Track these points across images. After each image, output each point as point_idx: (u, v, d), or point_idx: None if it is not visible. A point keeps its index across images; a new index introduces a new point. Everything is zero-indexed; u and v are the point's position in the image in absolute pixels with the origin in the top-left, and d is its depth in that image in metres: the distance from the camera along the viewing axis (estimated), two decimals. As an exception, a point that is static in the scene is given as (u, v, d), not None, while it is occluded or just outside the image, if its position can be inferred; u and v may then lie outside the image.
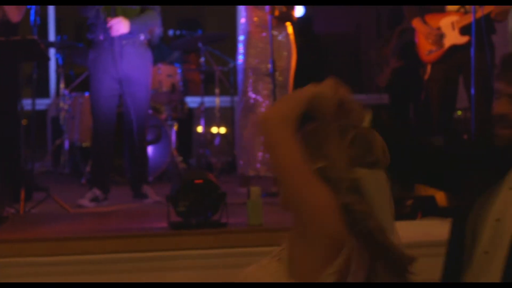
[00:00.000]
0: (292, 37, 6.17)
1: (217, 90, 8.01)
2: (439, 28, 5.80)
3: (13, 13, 5.49)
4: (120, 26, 5.41)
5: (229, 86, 8.13)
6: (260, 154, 6.08)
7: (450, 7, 5.81)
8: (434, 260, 2.42)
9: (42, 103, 8.62)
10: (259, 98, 6.09)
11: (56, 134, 8.06)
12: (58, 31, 9.22)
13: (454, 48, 5.77)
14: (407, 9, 6.06)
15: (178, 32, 8.24)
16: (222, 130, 8.20)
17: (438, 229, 4.20)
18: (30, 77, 5.77)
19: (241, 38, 6.20)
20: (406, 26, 7.89)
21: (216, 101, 8.00)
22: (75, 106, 7.35)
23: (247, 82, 6.11)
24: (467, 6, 5.67)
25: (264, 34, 6.04)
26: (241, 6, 6.28)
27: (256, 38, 6.10)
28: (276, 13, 5.85)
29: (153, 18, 5.71)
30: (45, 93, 8.85)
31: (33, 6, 5.66)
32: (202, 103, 7.98)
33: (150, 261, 3.82)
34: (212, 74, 8.08)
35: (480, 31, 5.40)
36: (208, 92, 8.34)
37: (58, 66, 7.96)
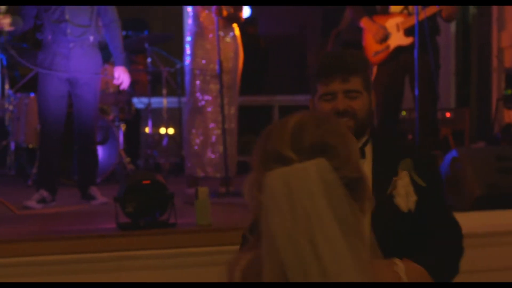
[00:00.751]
0: (239, 38, 6.18)
1: (164, 91, 7.98)
2: (384, 27, 5.84)
3: None
4: (126, 76, 5.68)
5: (176, 87, 8.11)
6: (208, 155, 6.09)
7: (393, 9, 5.85)
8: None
9: (-14, 104, 8.50)
10: (207, 99, 6.09)
11: (1, 135, 7.95)
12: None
13: (399, 49, 5.81)
14: (354, 10, 6.08)
15: (124, 33, 8.19)
16: (170, 131, 8.17)
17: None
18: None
19: (188, 39, 6.19)
20: (341, 28, 7.98)
21: (163, 102, 7.97)
22: (20, 107, 7.26)
23: (195, 83, 6.11)
24: (411, 8, 5.72)
25: (211, 35, 6.03)
26: (187, 6, 6.26)
27: (203, 39, 6.09)
28: (224, 13, 5.86)
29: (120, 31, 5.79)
30: (-11, 94, 8.71)
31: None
32: (149, 104, 7.95)
33: (98, 262, 3.81)
34: (159, 75, 8.05)
35: (424, 33, 5.46)
36: (155, 93, 8.30)
37: (2, 66, 7.85)
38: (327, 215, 1.65)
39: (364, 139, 2.66)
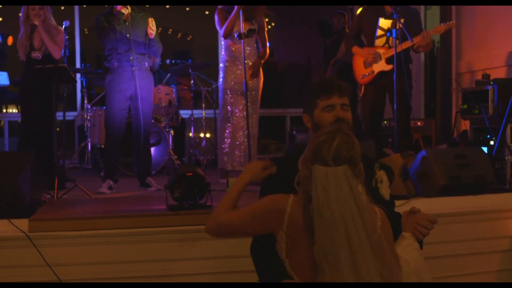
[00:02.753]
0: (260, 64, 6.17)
1: (203, 105, 7.99)
2: (374, 50, 5.79)
3: (55, 51, 5.48)
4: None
5: (212, 102, 8.11)
6: (236, 153, 6.06)
7: (377, 43, 5.81)
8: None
9: (70, 115, 8.55)
10: (235, 111, 6.07)
11: (81, 138, 7.99)
12: (83, 60, 9.14)
13: (382, 73, 5.78)
14: (348, 41, 6.06)
15: (173, 61, 8.20)
16: (207, 135, 8.17)
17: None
18: (62, 95, 5.72)
19: (221, 65, 6.18)
20: (337, 57, 7.95)
21: (202, 113, 7.97)
22: (95, 117, 7.29)
23: (226, 99, 6.09)
24: (391, 42, 5.68)
25: (238, 62, 6.02)
26: (221, 40, 6.24)
27: (233, 65, 6.08)
28: (242, 36, 5.77)
29: (159, 48, 5.74)
30: (73, 107, 8.77)
31: (64, 41, 5.62)
32: (192, 115, 7.96)
33: (153, 234, 3.79)
34: (200, 93, 8.06)
35: (400, 61, 5.43)
36: (197, 106, 8.30)
37: (82, 86, 7.89)
38: (350, 198, 2.22)
39: None
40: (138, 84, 5.49)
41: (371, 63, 5.80)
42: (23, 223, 3.69)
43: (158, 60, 6.08)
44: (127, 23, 5.42)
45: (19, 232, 3.64)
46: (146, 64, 5.61)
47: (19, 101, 5.96)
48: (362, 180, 2.32)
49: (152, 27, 5.48)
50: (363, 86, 5.98)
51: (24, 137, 5.63)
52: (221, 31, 5.99)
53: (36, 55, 5.52)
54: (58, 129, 5.74)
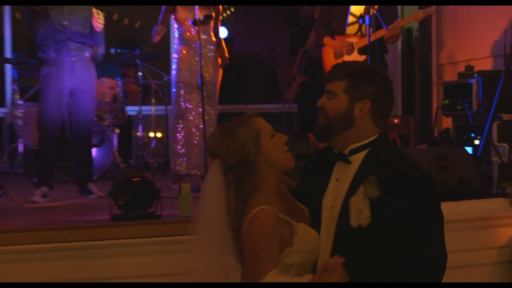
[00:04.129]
0: (218, 56, 6.15)
1: (153, 100, 7.93)
2: (348, 41, 5.81)
3: None
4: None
5: (163, 97, 8.06)
6: (190, 155, 6.03)
7: (349, 31, 5.82)
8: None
9: (-1, 112, 8.42)
10: (190, 107, 6.04)
11: (12, 139, 7.87)
12: (14, 49, 8.99)
13: (354, 65, 5.77)
14: (317, 30, 6.06)
15: (119, 51, 8.13)
16: (158, 134, 8.12)
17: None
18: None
19: (174, 56, 6.15)
20: (307, 47, 7.97)
21: (152, 109, 7.92)
22: (28, 114, 7.20)
23: (179, 93, 6.06)
24: (363, 30, 5.71)
25: (192, 52, 6.00)
26: (174, 27, 6.21)
27: (187, 56, 6.05)
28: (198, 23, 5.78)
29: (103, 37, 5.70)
30: (1, 103, 8.63)
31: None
32: (140, 111, 7.90)
33: (94, 249, 3.74)
34: (149, 86, 8.01)
35: (375, 51, 5.45)
36: (145, 102, 8.23)
37: (13, 79, 7.77)
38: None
39: (354, 146, 2.52)
40: (79, 77, 5.44)
41: (342, 54, 5.82)
42: None
43: (101, 50, 6.01)
44: (65, 9, 5.38)
45: None
46: (87, 54, 5.56)
47: None
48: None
49: (99, 20, 5.44)
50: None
51: None
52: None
53: None
54: None
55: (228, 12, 11.03)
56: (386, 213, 2.36)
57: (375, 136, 2.53)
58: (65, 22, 5.43)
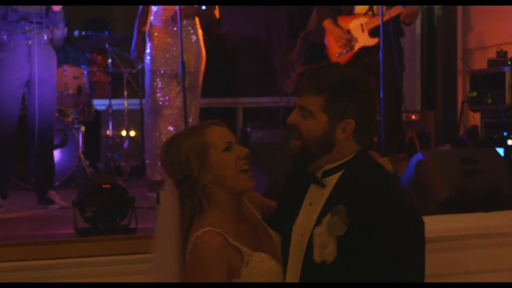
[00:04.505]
0: (201, 39, 6.16)
1: (125, 93, 7.94)
2: (349, 31, 5.85)
3: None
4: None
5: (137, 88, 8.07)
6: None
7: (358, 9, 5.87)
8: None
9: None
10: (167, 100, 6.06)
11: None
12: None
13: (364, 50, 5.83)
14: (319, 9, 6.09)
15: (83, 33, 8.13)
16: (131, 133, 8.13)
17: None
18: None
19: (148, 39, 6.16)
20: (308, 30, 7.98)
21: (124, 103, 7.93)
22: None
23: (155, 84, 6.08)
24: (375, 9, 5.75)
25: (171, 35, 6.02)
26: (152, 7, 6.22)
27: (164, 40, 6.07)
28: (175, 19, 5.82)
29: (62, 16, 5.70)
30: None
31: None
32: (110, 106, 7.91)
33: (56, 268, 3.76)
34: (120, 76, 8.00)
35: (389, 34, 5.47)
36: (116, 94, 8.24)
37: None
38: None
39: (328, 168, 2.49)
40: (37, 64, 5.44)
41: (341, 46, 5.85)
42: None
43: (61, 32, 6.02)
44: None
45: None
46: (45, 36, 5.56)
47: None
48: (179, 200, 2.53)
49: None
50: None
51: None
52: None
53: None
54: None
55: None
56: (353, 249, 2.33)
57: (352, 155, 2.50)
58: None
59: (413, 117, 7.38)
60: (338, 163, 2.49)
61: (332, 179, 2.48)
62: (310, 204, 2.51)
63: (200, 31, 6.17)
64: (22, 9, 5.43)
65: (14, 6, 5.40)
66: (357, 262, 2.32)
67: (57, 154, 6.74)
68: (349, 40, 5.82)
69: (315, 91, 2.45)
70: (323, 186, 2.48)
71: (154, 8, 6.15)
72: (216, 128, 2.57)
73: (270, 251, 2.53)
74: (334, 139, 2.47)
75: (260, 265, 2.46)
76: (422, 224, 2.47)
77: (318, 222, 2.42)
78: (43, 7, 5.52)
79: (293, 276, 2.47)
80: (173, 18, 5.83)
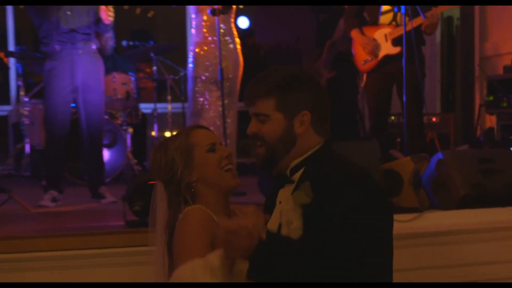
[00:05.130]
0: (239, 48, 6.18)
1: (169, 97, 7.99)
2: (374, 39, 5.85)
3: None
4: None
5: (180, 93, 8.12)
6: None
7: (383, 20, 5.85)
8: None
9: (3, 110, 8.51)
10: (206, 104, 6.08)
11: (17, 139, 7.96)
12: (18, 42, 9.10)
13: (387, 58, 5.81)
14: (347, 20, 6.09)
15: (131, 43, 8.19)
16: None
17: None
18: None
19: (191, 48, 6.19)
20: (334, 39, 7.97)
21: (168, 107, 7.98)
22: (35, 112, 7.27)
23: (196, 89, 6.10)
24: (399, 20, 5.73)
25: (213, 45, 6.03)
26: (192, 17, 6.25)
27: (205, 49, 6.09)
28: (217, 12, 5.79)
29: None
30: (5, 100, 8.72)
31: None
32: (155, 109, 7.95)
33: (107, 257, 3.79)
34: (164, 82, 8.05)
35: (411, 43, 5.46)
36: (161, 99, 8.30)
37: (18, 74, 7.86)
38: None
39: (295, 163, 2.40)
40: (85, 71, 5.49)
41: (368, 53, 5.84)
42: None
43: (111, 42, 6.08)
44: None
45: None
46: (94, 46, 5.60)
47: None
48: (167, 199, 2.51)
49: (108, 12, 5.46)
50: (365, 74, 6.02)
51: None
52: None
53: None
54: None
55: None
56: (317, 224, 2.24)
57: (317, 147, 2.43)
58: (68, 12, 5.47)
59: (434, 119, 7.34)
60: (302, 157, 2.41)
61: (299, 174, 2.41)
62: (280, 202, 2.44)
63: (237, 40, 6.19)
64: (72, 20, 5.47)
65: (65, 16, 5.44)
66: (320, 238, 2.21)
67: (107, 153, 6.80)
68: (375, 47, 5.82)
69: (264, 94, 2.38)
70: (292, 182, 2.40)
71: (192, 15, 6.18)
72: (200, 131, 2.55)
73: None
74: (294, 134, 2.40)
75: None
76: (388, 205, 2.41)
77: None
78: (91, 16, 5.56)
79: None
80: (213, 12, 5.78)
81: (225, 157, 2.50)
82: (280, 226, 2.36)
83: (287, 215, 2.32)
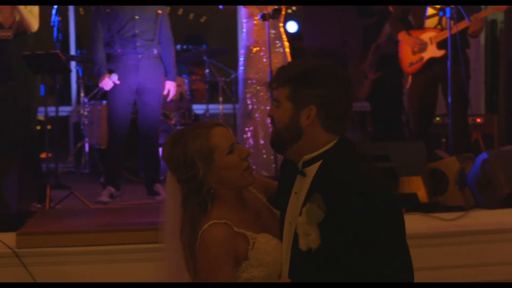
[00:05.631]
0: (288, 51, 6.17)
1: (220, 99, 8.01)
2: (421, 39, 5.79)
3: (33, 23, 5.34)
4: (173, 90, 5.80)
5: (231, 95, 8.13)
6: (258, 156, 6.07)
7: (428, 24, 5.80)
8: (414, 251, 2.37)
9: (64, 110, 8.62)
10: (257, 105, 6.09)
11: (77, 138, 8.06)
12: (78, 46, 9.22)
13: (432, 60, 5.76)
14: (392, 24, 6.04)
15: (185, 47, 8.23)
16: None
17: (418, 223, 4.19)
18: (54, 87, 5.75)
19: (242, 51, 6.21)
20: (380, 42, 7.92)
21: (219, 108, 8.00)
22: (94, 113, 7.35)
23: (247, 91, 6.11)
24: (444, 23, 5.66)
25: (263, 48, 6.04)
26: (243, 21, 6.26)
27: (255, 52, 6.10)
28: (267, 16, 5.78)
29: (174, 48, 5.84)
30: (67, 101, 8.84)
31: (56, 23, 5.64)
32: (207, 110, 7.98)
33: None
34: (216, 84, 8.08)
35: (455, 46, 5.40)
36: (213, 100, 8.32)
37: (78, 77, 7.96)
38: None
39: (307, 158, 2.37)
40: (145, 74, 5.53)
41: (416, 52, 5.79)
42: (9, 238, 3.72)
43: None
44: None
45: (5, 248, 3.67)
46: (155, 51, 5.63)
47: None
48: (182, 196, 2.41)
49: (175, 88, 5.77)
50: (410, 76, 5.97)
51: None
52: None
53: (6, 34, 5.38)
54: (49, 127, 5.78)
55: (298, 4, 11.03)
56: (334, 234, 2.23)
57: (331, 145, 2.37)
58: (136, 17, 5.51)
59: (478, 120, 7.24)
60: (316, 153, 2.36)
61: (312, 169, 2.36)
62: (296, 193, 2.41)
63: (286, 44, 6.18)
64: (139, 25, 5.51)
65: (133, 21, 5.48)
66: (340, 246, 2.21)
67: (162, 152, 6.83)
68: (423, 46, 5.75)
69: (282, 82, 2.37)
70: (304, 175, 2.38)
71: (244, 19, 6.19)
72: (219, 130, 2.46)
73: (274, 230, 2.44)
74: (300, 126, 2.35)
75: (265, 245, 2.37)
76: (399, 207, 2.38)
77: (301, 211, 2.33)
78: (158, 23, 5.59)
79: (286, 257, 2.39)
80: (263, 17, 5.77)
81: (244, 158, 2.45)
82: (296, 236, 2.33)
83: (303, 227, 2.28)
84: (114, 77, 5.43)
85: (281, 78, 2.38)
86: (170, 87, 5.76)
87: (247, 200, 2.51)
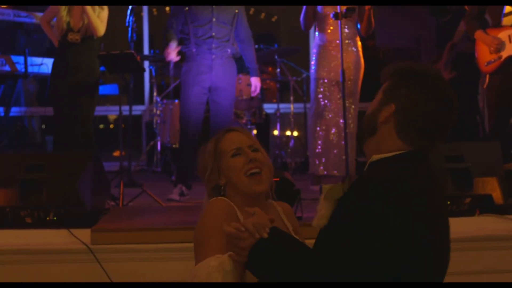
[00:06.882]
0: (360, 50, 6.11)
1: (291, 98, 8.00)
2: (499, 38, 5.67)
3: (100, 28, 5.46)
4: (259, 85, 5.96)
5: (302, 94, 8.11)
6: (330, 156, 6.03)
7: (505, 22, 5.67)
8: (488, 254, 2.29)
9: (137, 109, 8.74)
10: (329, 105, 6.04)
11: (150, 137, 8.17)
12: (151, 45, 9.34)
13: (511, 59, 5.62)
14: (468, 23, 5.93)
15: (256, 46, 8.25)
16: (296, 133, 8.17)
17: (493, 225, 4.10)
18: (127, 86, 5.84)
19: (314, 50, 6.18)
20: (455, 41, 7.77)
21: (290, 107, 7.99)
22: (166, 112, 7.43)
23: (318, 90, 6.08)
24: (523, 20, 5.55)
25: (335, 48, 5.99)
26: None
27: (328, 51, 6.06)
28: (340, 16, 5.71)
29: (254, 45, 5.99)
30: (140, 101, 8.96)
31: (130, 24, 5.73)
32: (278, 109, 7.98)
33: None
34: (287, 83, 8.07)
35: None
36: (283, 99, 8.32)
37: (151, 76, 8.07)
38: None
39: (375, 158, 2.19)
40: (218, 74, 5.56)
41: (493, 51, 5.67)
42: (84, 234, 3.79)
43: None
44: (214, 7, 5.51)
45: (80, 244, 3.74)
46: (229, 51, 5.67)
47: (50, 93, 5.78)
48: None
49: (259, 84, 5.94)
50: (487, 75, 5.85)
51: (57, 136, 5.73)
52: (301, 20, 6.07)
53: (74, 37, 5.52)
54: (102, 126, 5.86)
55: (371, 4, 10.92)
56: (341, 215, 2.09)
57: (398, 153, 2.16)
58: (214, 19, 5.55)
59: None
60: (384, 155, 2.18)
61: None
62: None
63: (359, 43, 6.13)
64: (216, 28, 5.55)
65: (210, 23, 5.53)
66: (347, 226, 2.03)
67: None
68: (501, 44, 5.63)
69: (387, 75, 2.28)
70: None
71: (316, 25, 6.16)
72: (230, 135, 2.54)
73: None
74: (376, 120, 2.21)
75: None
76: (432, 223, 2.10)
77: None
78: (235, 25, 5.63)
79: None
80: (336, 16, 5.71)
81: (248, 161, 2.45)
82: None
83: (320, 203, 2.21)
84: (172, 46, 5.46)
85: (388, 71, 2.30)
86: (256, 83, 5.89)
87: (265, 209, 2.43)
